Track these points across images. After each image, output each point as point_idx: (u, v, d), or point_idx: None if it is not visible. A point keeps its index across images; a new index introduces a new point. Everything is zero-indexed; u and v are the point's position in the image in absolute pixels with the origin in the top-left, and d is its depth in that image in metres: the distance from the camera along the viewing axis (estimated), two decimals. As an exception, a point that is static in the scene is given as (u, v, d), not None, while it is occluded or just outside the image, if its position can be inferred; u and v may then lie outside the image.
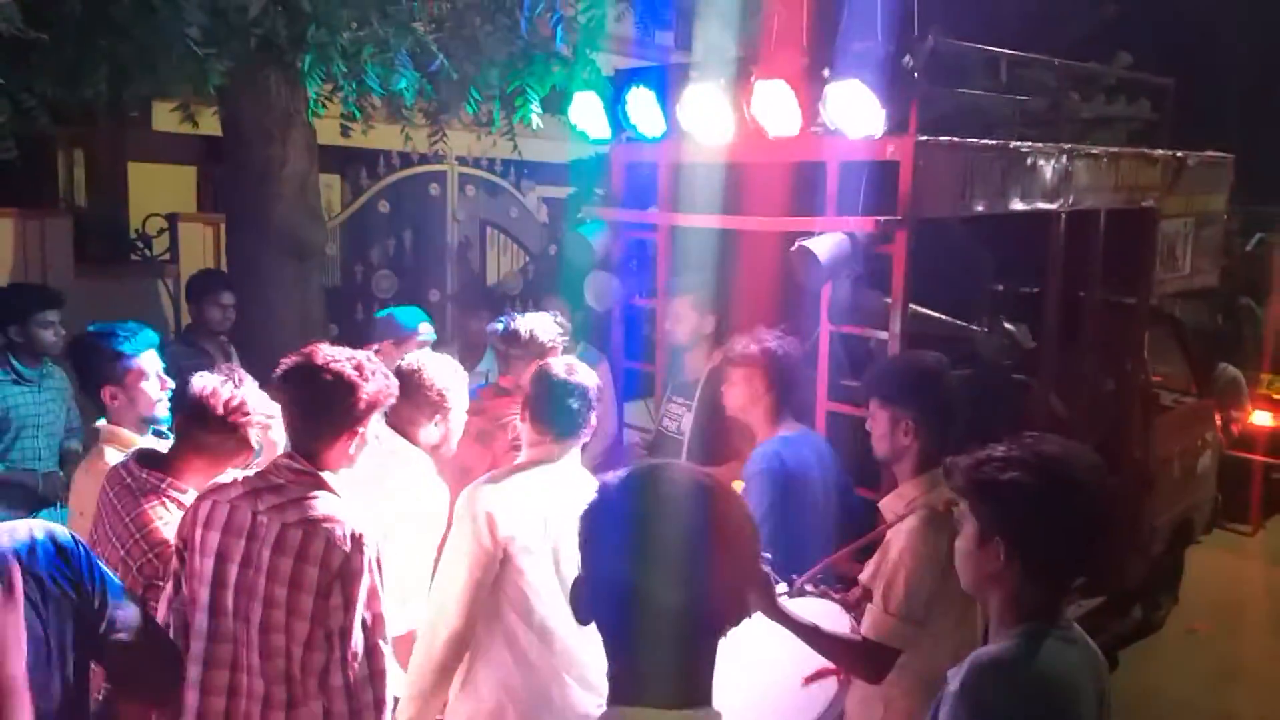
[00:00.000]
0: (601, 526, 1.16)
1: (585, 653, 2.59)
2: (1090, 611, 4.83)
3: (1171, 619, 5.69)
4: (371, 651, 2.19)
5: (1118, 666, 5.09)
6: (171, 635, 2.25)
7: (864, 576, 2.68)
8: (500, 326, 3.67)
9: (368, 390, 2.28)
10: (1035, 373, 4.27)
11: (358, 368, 2.28)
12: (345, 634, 2.14)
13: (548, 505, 2.66)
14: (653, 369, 4.40)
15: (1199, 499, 5.85)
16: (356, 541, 2.16)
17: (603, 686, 2.50)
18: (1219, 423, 6.15)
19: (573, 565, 2.42)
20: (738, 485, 3.26)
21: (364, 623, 2.18)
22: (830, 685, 2.71)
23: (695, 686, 1.17)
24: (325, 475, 2.27)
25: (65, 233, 5.80)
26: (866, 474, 3.55)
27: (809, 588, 2.72)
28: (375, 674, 2.20)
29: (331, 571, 2.12)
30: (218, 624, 2.19)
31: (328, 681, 2.15)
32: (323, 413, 2.26)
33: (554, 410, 2.73)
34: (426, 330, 4.33)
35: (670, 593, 1.12)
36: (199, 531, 2.23)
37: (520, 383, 3.33)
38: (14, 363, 3.93)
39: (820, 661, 2.68)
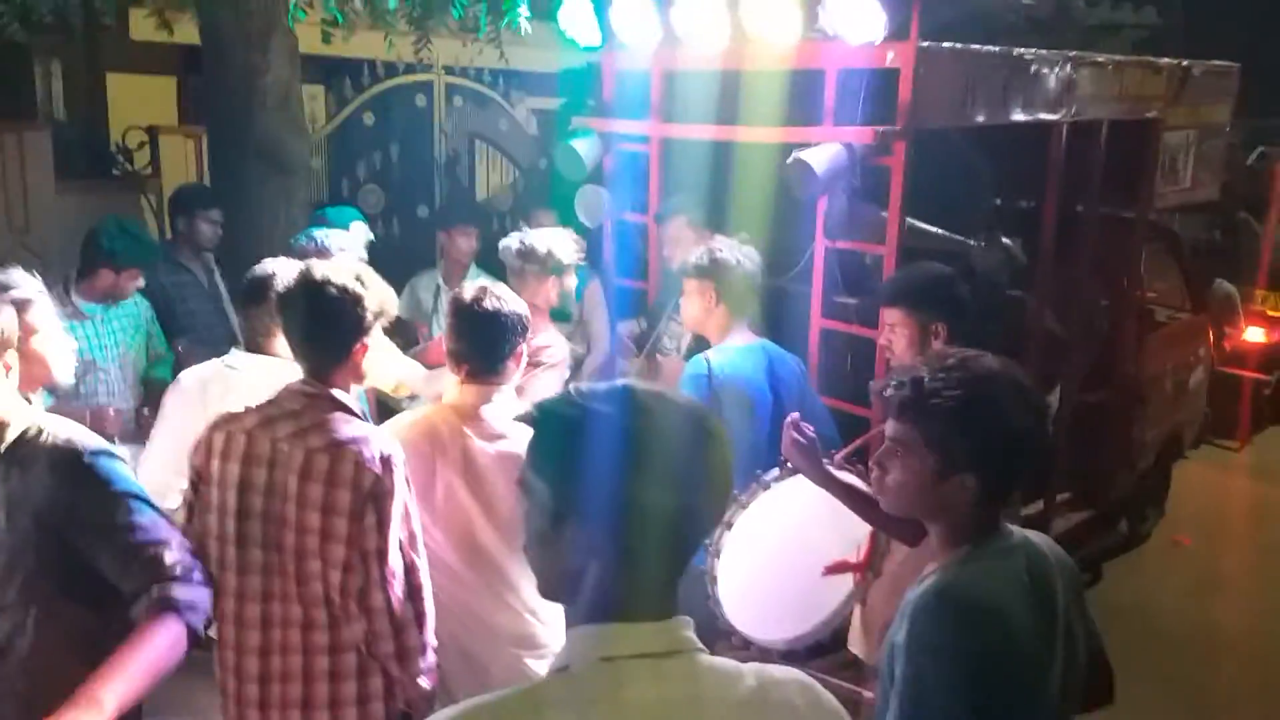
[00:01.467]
0: (587, 443, 1.13)
1: (511, 574, 2.51)
2: (1076, 525, 4.90)
3: (1157, 533, 5.77)
4: (410, 569, 2.19)
5: (1102, 578, 5.18)
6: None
7: None
8: (515, 243, 3.53)
9: (371, 298, 2.23)
10: (1031, 288, 4.23)
11: (357, 277, 2.23)
12: (382, 555, 2.13)
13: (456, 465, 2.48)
14: (644, 286, 4.35)
15: (1189, 414, 5.89)
16: (386, 461, 2.13)
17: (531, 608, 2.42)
18: (1211, 339, 6.15)
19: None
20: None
21: (399, 542, 2.17)
22: (846, 581, 2.77)
23: (670, 598, 1.18)
24: (340, 395, 2.22)
25: (44, 146, 5.64)
26: (859, 390, 3.53)
27: (847, 465, 2.76)
28: (414, 590, 2.20)
29: (364, 493, 2.10)
30: (246, 555, 2.16)
31: (368, 602, 2.14)
32: (331, 330, 2.20)
33: (466, 344, 2.53)
34: (359, 229, 4.21)
35: (667, 506, 1.12)
36: (215, 463, 2.18)
37: (536, 302, 3.24)
38: (74, 299, 3.76)
39: (840, 554, 2.74)
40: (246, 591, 2.17)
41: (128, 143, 6.19)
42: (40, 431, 1.96)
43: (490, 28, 4.66)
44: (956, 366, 1.66)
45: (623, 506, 1.12)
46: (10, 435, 1.95)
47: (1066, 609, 1.69)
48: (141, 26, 5.86)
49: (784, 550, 2.81)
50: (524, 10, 4.24)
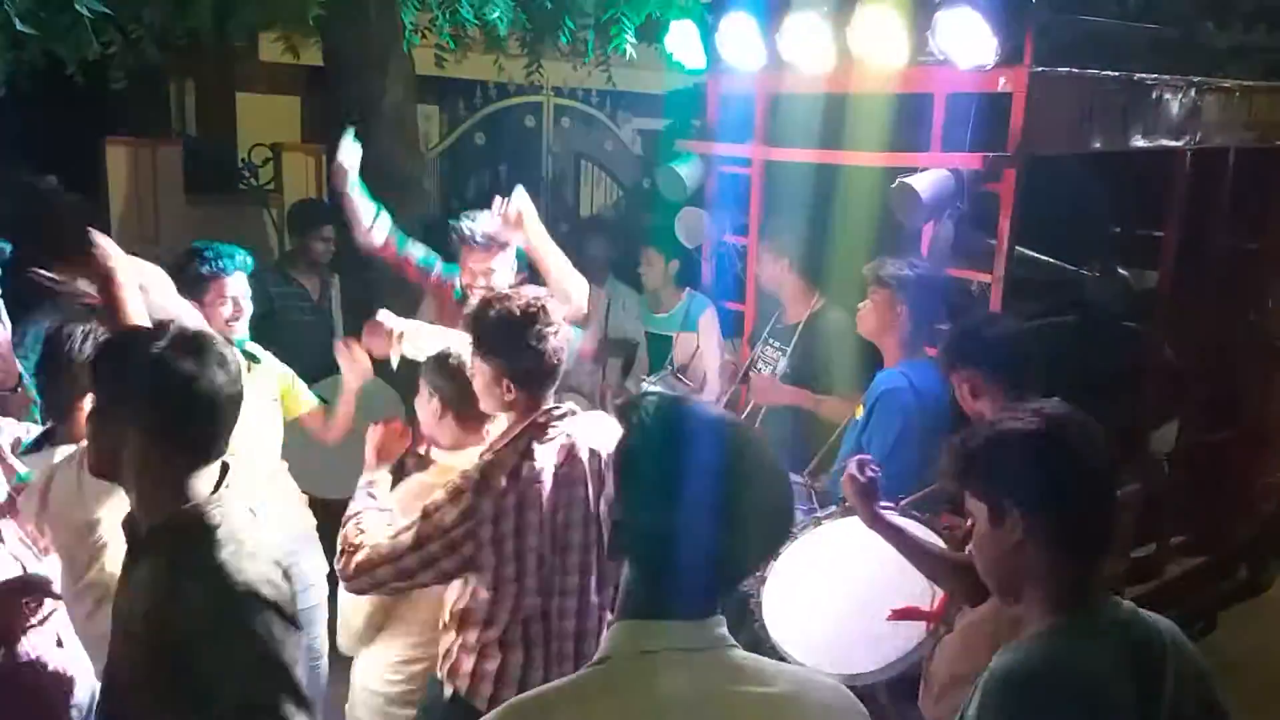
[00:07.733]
0: (635, 464, 1.21)
1: None
2: (1191, 570, 4.66)
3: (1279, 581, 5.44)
4: None
5: (1216, 628, 4.91)
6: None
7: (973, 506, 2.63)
8: None
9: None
10: (1148, 320, 4.07)
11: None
12: None
13: None
14: (743, 308, 4.33)
15: (1320, 457, 5.55)
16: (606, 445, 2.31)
17: None
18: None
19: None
20: (857, 412, 3.21)
21: None
22: (916, 629, 2.65)
23: (712, 602, 1.22)
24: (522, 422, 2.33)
25: (175, 161, 5.99)
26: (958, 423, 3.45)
27: (914, 511, 2.67)
28: None
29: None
30: (522, 585, 2.27)
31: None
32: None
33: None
34: None
35: (699, 530, 1.16)
36: (488, 506, 2.22)
37: None
38: None
39: (910, 598, 2.64)
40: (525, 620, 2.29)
41: (254, 159, 6.51)
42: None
43: (598, 51, 4.74)
44: (1009, 418, 1.63)
45: (662, 520, 1.16)
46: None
47: (1177, 699, 1.55)
48: (270, 49, 6.15)
49: (847, 586, 2.72)
50: (630, 35, 4.29)
